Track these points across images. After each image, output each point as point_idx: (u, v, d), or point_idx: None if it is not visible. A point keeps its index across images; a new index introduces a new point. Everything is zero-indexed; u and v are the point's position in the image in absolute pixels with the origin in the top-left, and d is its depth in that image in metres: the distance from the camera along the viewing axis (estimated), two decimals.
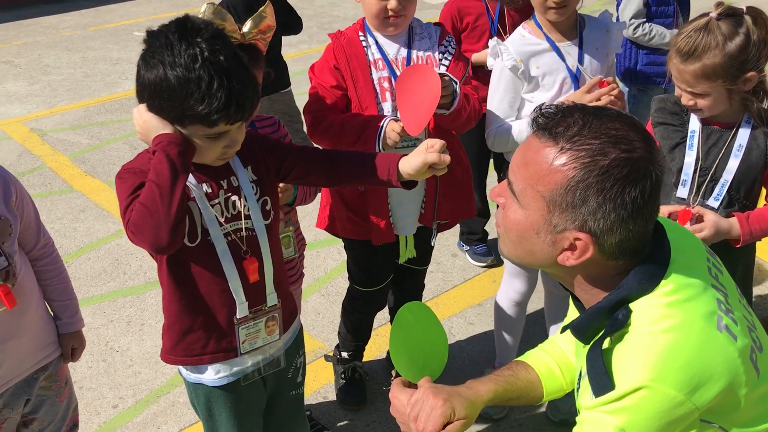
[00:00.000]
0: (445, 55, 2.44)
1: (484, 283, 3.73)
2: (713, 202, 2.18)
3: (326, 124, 2.39)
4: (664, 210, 2.20)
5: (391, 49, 2.42)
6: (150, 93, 1.64)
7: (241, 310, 1.86)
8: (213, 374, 1.93)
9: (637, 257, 1.31)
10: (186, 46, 1.58)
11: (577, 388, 1.40)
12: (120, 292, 3.75)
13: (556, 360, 1.70)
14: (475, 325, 3.37)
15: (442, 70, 2.41)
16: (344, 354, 2.94)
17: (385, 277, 2.70)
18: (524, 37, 2.48)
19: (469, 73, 2.51)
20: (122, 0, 9.89)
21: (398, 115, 2.32)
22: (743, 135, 2.12)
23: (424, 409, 1.48)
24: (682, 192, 2.22)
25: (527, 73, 2.45)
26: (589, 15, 2.53)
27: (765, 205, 2.21)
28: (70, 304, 2.17)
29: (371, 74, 2.39)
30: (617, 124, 1.25)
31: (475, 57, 3.30)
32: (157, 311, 3.55)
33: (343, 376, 2.94)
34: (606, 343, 1.29)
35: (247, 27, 2.07)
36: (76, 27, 8.74)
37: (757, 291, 3.52)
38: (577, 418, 1.33)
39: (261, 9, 2.08)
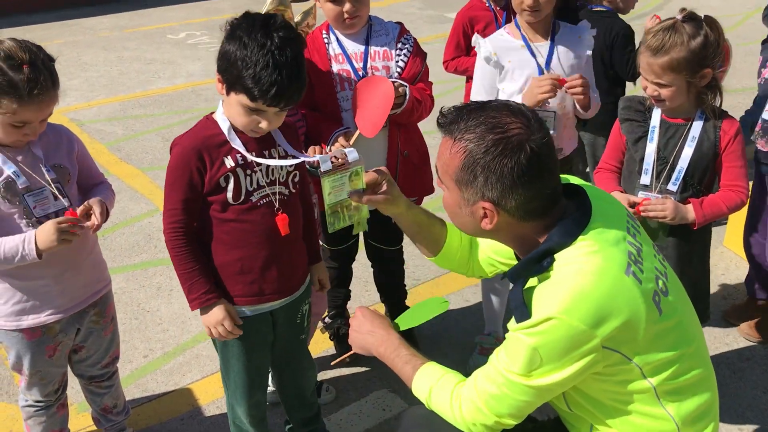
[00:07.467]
0: (404, 51, 2.82)
1: None
2: (672, 186, 2.53)
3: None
4: (624, 199, 2.54)
5: (351, 45, 2.81)
6: (221, 57, 2.07)
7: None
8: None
9: (549, 217, 1.67)
10: (262, 36, 1.99)
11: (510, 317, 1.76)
12: (151, 262, 4.15)
13: (467, 246, 2.11)
14: (470, 302, 3.71)
15: (396, 74, 2.78)
16: (327, 319, 3.32)
17: (345, 241, 3.06)
18: (502, 36, 2.84)
19: (426, 68, 2.87)
20: (157, 5, 10.43)
21: (354, 116, 2.71)
22: (696, 128, 2.50)
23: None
24: (645, 179, 2.57)
25: (499, 64, 2.80)
26: (564, 23, 2.84)
27: (717, 192, 2.56)
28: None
29: (331, 67, 2.78)
30: (494, 113, 1.63)
31: None
32: None
33: (331, 337, 3.34)
34: (532, 283, 1.65)
35: (297, 19, 2.63)
36: (113, 29, 9.24)
37: (724, 280, 3.86)
38: (506, 335, 1.69)
39: (309, 7, 2.61)
